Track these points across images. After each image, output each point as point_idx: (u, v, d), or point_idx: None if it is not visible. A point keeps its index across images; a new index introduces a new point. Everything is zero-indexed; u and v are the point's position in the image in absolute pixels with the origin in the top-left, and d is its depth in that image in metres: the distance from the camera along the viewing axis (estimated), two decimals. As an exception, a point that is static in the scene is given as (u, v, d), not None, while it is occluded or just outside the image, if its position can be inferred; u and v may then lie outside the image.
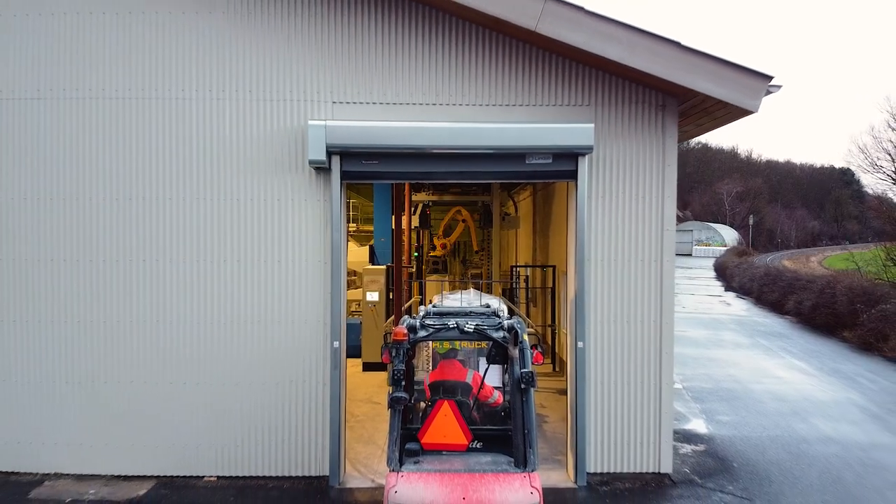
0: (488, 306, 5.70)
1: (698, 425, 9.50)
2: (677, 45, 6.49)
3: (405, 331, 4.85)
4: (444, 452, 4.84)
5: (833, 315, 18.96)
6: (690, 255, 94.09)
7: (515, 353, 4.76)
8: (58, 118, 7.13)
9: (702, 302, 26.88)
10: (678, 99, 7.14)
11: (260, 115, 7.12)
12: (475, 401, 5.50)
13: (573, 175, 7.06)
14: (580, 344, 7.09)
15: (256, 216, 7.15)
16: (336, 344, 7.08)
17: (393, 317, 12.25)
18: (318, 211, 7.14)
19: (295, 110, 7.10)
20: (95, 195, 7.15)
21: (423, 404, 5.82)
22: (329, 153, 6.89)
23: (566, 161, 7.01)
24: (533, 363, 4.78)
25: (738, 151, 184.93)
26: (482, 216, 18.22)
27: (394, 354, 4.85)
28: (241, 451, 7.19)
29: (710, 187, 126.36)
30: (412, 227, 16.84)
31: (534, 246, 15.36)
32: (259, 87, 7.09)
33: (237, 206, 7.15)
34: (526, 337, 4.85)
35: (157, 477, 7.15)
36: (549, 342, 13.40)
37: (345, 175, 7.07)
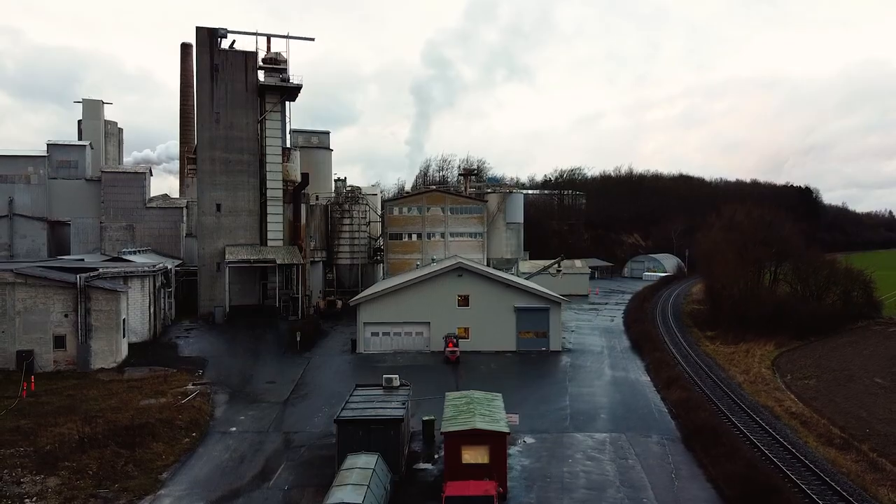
0: None
1: (570, 345, 57.30)
2: (547, 292, 54.48)
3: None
4: None
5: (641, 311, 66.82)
6: (641, 278, 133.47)
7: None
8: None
9: (602, 320, 74.26)
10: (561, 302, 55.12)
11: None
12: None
13: (547, 312, 54.91)
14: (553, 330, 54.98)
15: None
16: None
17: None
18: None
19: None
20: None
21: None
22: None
23: (546, 311, 54.86)
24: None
25: (706, 179, 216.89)
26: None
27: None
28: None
29: (664, 222, 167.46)
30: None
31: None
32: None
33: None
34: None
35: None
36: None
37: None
